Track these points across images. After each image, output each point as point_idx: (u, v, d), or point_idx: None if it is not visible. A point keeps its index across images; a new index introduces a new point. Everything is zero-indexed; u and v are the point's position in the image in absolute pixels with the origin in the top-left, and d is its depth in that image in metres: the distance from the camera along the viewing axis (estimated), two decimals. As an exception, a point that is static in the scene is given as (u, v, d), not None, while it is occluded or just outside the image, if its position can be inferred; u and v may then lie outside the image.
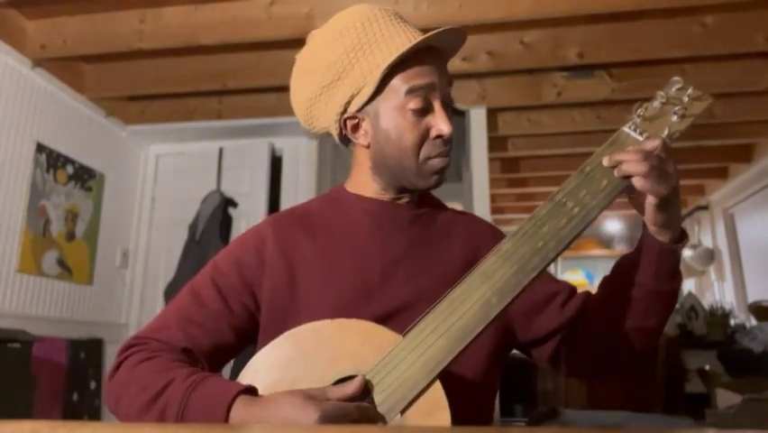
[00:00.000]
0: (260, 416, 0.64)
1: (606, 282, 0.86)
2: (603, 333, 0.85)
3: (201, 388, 0.69)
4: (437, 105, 0.83)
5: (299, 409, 0.62)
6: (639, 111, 0.76)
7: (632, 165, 0.71)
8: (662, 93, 0.77)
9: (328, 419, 0.61)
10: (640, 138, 0.75)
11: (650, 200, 0.73)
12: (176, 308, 0.84)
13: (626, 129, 0.76)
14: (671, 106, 0.76)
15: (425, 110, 0.83)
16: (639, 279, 0.79)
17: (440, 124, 0.82)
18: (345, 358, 0.70)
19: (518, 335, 0.90)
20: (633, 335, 0.82)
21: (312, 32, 0.91)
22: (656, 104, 0.77)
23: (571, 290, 0.92)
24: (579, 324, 0.88)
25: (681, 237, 0.78)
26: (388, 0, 2.35)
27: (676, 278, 0.79)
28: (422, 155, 0.83)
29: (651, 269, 0.78)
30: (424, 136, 0.83)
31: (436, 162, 0.84)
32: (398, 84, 0.82)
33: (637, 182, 0.71)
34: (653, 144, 0.72)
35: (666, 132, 0.74)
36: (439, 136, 0.83)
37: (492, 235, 0.94)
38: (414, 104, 0.81)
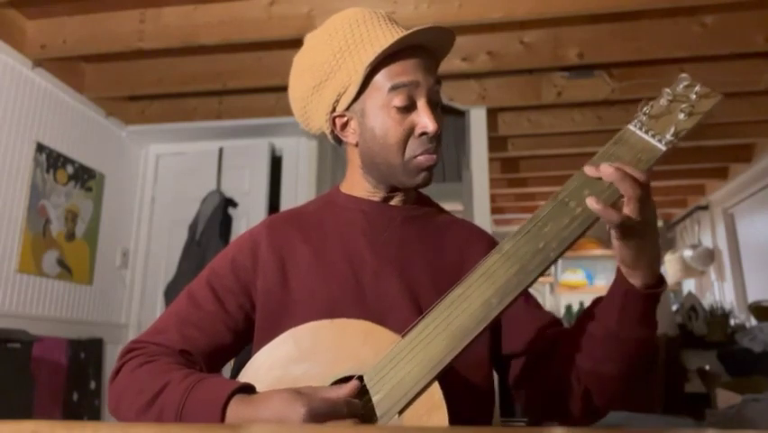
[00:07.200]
0: (251, 414, 0.65)
1: (577, 320, 0.81)
2: (560, 372, 0.80)
3: (197, 390, 0.69)
4: (421, 102, 0.82)
5: (287, 404, 0.63)
6: (645, 109, 0.73)
7: (627, 185, 0.67)
8: (668, 90, 0.74)
9: (315, 413, 0.62)
10: (646, 136, 0.72)
11: (615, 235, 0.69)
12: (173, 312, 0.85)
13: (631, 127, 0.74)
14: (678, 104, 0.73)
15: (410, 107, 0.82)
16: (603, 320, 0.75)
17: (424, 120, 0.82)
18: (346, 358, 0.70)
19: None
20: (587, 379, 0.78)
21: (308, 35, 0.92)
22: (663, 101, 0.74)
23: (552, 321, 0.89)
24: (545, 357, 0.84)
25: (658, 283, 0.73)
26: (388, 0, 2.35)
27: (646, 326, 0.74)
28: (407, 153, 0.83)
29: (615, 312, 0.74)
30: (408, 133, 0.83)
31: (422, 160, 0.83)
32: (382, 81, 0.82)
33: (628, 203, 0.67)
34: (642, 175, 0.68)
35: (672, 129, 0.71)
36: (424, 133, 0.82)
37: (487, 243, 0.93)
38: (398, 101, 0.81)
